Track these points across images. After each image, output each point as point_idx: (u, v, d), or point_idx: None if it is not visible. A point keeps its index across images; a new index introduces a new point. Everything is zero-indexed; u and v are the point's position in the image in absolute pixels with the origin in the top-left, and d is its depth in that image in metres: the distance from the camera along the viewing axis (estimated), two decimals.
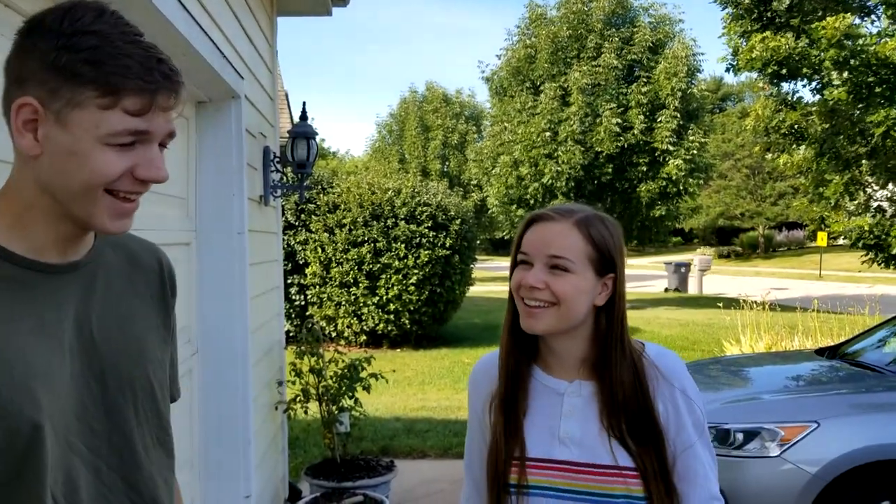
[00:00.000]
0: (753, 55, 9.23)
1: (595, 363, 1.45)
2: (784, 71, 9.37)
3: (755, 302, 9.88)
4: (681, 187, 18.40)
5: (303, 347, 4.60)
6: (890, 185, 10.23)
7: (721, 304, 11.51)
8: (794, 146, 10.35)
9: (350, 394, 4.43)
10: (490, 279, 26.75)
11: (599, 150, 18.13)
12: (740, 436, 3.75)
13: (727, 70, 10.11)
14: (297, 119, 4.74)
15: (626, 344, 1.44)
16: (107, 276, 1.14)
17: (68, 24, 0.96)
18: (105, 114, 0.95)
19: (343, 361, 4.60)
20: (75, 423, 1.03)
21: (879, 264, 10.01)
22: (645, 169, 18.52)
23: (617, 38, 19.10)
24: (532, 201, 19.34)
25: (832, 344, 5.77)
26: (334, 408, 4.45)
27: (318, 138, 4.58)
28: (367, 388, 4.48)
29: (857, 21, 9.83)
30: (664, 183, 18.33)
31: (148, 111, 0.97)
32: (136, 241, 1.26)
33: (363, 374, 4.49)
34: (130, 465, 1.11)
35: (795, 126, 10.06)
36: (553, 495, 1.42)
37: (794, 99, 10.13)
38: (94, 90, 0.95)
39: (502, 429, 1.48)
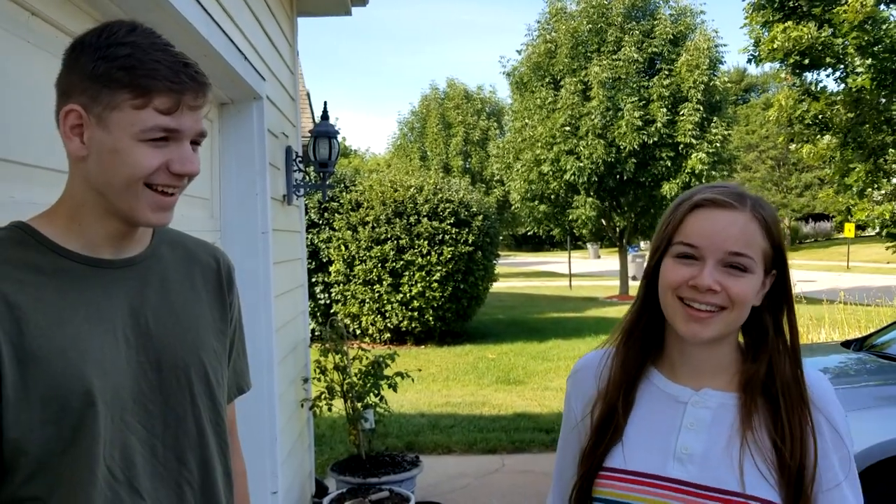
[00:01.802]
0: (775, 45, 9.12)
1: (741, 372, 1.26)
2: (806, 61, 9.25)
3: None
4: (704, 181, 18.23)
5: (327, 345, 4.64)
6: None
7: None
8: (818, 136, 10.22)
9: (375, 391, 4.47)
10: (513, 275, 26.75)
11: (621, 144, 18.02)
12: None
13: (749, 61, 9.99)
14: (318, 118, 4.78)
15: (799, 357, 1.25)
16: (163, 271, 1.24)
17: (105, 38, 1.09)
18: (139, 113, 1.07)
19: (367, 359, 4.63)
20: (131, 404, 1.13)
21: None
22: (668, 164, 18.38)
23: (637, 31, 18.96)
24: (554, 197, 19.27)
25: (859, 336, 5.70)
26: (359, 405, 4.49)
27: (339, 137, 4.61)
28: (393, 387, 4.51)
29: (883, 7, 9.68)
30: (687, 177, 18.17)
31: (176, 110, 1.09)
32: (192, 240, 1.37)
33: (388, 372, 4.52)
34: (184, 446, 1.20)
35: (819, 116, 9.94)
36: None
37: (818, 89, 10.00)
38: (129, 93, 1.06)
39: (601, 434, 1.29)
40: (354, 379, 4.53)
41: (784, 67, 9.81)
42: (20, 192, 1.55)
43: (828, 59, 9.22)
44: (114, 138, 1.07)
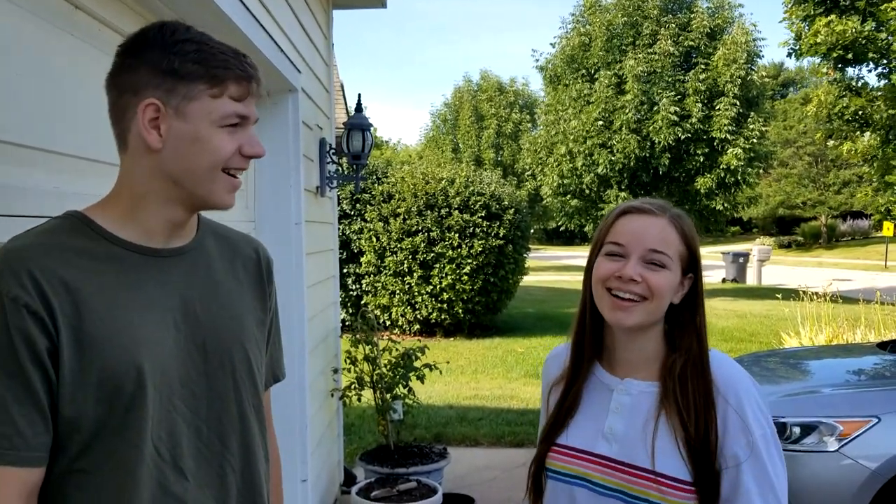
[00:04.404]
0: (818, 40, 8.94)
1: (662, 363, 1.44)
2: (850, 55, 9.06)
3: (816, 293, 9.63)
4: (739, 177, 17.99)
5: (357, 336, 4.68)
6: None
7: (780, 296, 11.26)
8: (858, 133, 10.02)
9: (404, 382, 4.50)
10: (543, 269, 26.65)
11: (656, 139, 17.84)
12: (797, 430, 3.69)
13: (789, 55, 9.82)
14: (352, 110, 4.81)
15: (705, 348, 1.43)
16: (208, 261, 1.29)
17: (168, 35, 1.16)
18: (216, 102, 1.15)
19: (396, 350, 4.66)
20: (179, 387, 1.18)
21: None
22: (702, 159, 18.17)
23: (673, 25, 18.73)
24: (587, 192, 19.15)
25: (895, 337, 5.60)
26: (388, 396, 4.52)
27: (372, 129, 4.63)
28: (421, 379, 4.54)
29: None
30: (722, 173, 17.95)
31: (247, 96, 1.19)
32: (235, 232, 1.42)
33: (417, 364, 4.55)
34: (228, 429, 1.25)
35: (860, 112, 9.74)
36: (588, 487, 1.43)
37: (860, 84, 9.79)
38: (205, 84, 1.15)
39: (553, 415, 1.51)
40: (384, 370, 4.57)
41: (826, 62, 9.61)
42: (66, 184, 1.58)
43: (871, 55, 9.02)
44: (194, 127, 1.15)
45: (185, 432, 1.19)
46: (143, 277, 1.17)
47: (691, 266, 1.44)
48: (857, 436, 3.55)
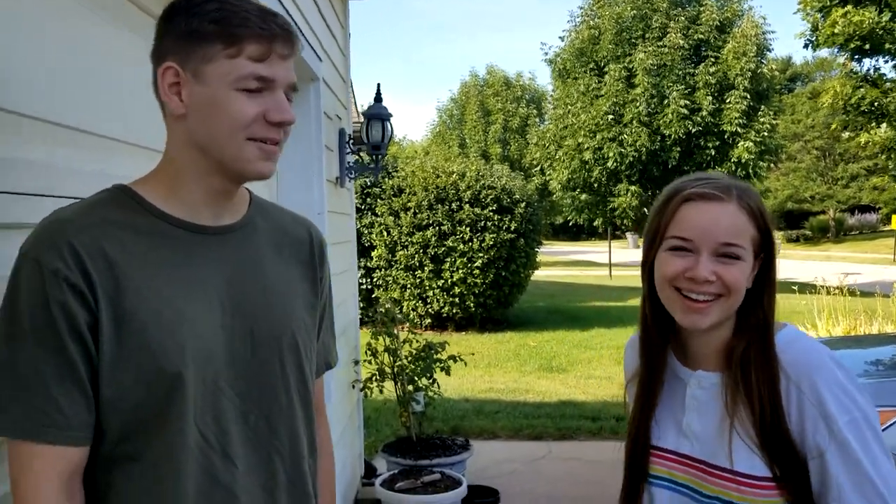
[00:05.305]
0: (835, 30, 8.86)
1: (727, 351, 1.31)
2: (867, 46, 8.98)
3: (831, 287, 9.56)
4: (750, 171, 17.91)
5: (377, 328, 4.65)
6: None
7: (796, 288, 11.21)
8: (874, 124, 9.94)
9: (428, 374, 4.47)
10: (552, 263, 26.59)
11: (666, 132, 17.77)
12: None
13: (805, 46, 9.78)
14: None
15: (769, 332, 1.29)
16: (258, 241, 1.23)
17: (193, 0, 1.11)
18: (233, 62, 1.08)
19: (416, 342, 4.63)
20: (225, 370, 1.12)
21: None
22: (713, 152, 18.08)
23: (683, 18, 18.65)
24: (597, 186, 19.08)
25: None
26: (410, 387, 4.49)
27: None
28: (446, 370, 4.51)
29: None
30: (733, 167, 17.86)
31: (268, 57, 1.09)
32: (287, 213, 1.36)
33: (441, 356, 4.52)
34: (276, 415, 1.19)
35: (875, 103, 9.66)
36: (675, 489, 1.34)
37: (876, 75, 9.71)
38: (221, 43, 1.08)
39: (639, 415, 1.40)
40: (405, 362, 4.54)
41: (842, 53, 9.53)
42: (112, 167, 1.55)
43: (888, 45, 8.95)
44: (211, 90, 1.08)
45: (233, 417, 1.12)
46: (189, 255, 1.12)
47: (764, 247, 1.30)
48: (889, 426, 3.50)
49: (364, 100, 21.82)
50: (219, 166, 1.12)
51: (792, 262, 26.81)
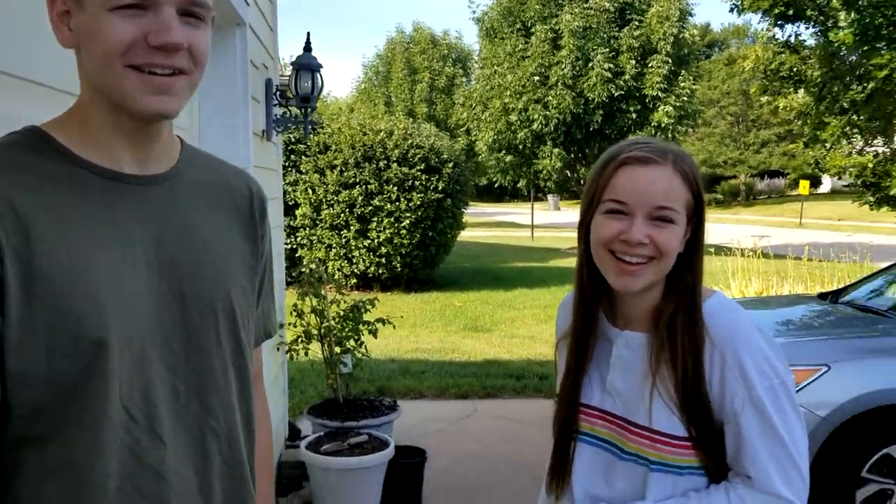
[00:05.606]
0: None
1: (657, 315, 1.33)
2: (790, 11, 9.17)
3: (745, 249, 9.89)
4: (669, 135, 18.28)
5: (304, 288, 4.51)
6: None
7: (712, 250, 11.56)
8: (792, 90, 10.23)
9: (355, 336, 4.37)
10: (477, 224, 26.70)
11: (590, 96, 17.91)
12: None
13: (731, 10, 9.90)
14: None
15: (697, 295, 1.31)
16: (190, 194, 1.10)
17: None
18: None
19: (345, 303, 4.52)
20: (152, 338, 1.00)
21: (871, 207, 9.97)
22: (635, 116, 18.36)
23: None
24: (522, 147, 19.15)
25: (834, 289, 5.77)
26: (338, 349, 4.39)
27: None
28: (373, 333, 4.42)
29: None
30: (653, 131, 18.20)
31: None
32: (225, 165, 1.22)
33: (368, 318, 4.42)
34: (208, 388, 1.06)
35: (794, 69, 9.93)
36: (597, 444, 1.38)
37: (797, 42, 9.96)
38: None
39: (570, 374, 1.42)
40: (332, 323, 4.43)
41: (766, 18, 9.71)
42: (20, 110, 1.39)
43: (809, 12, 9.15)
44: (89, 15, 0.95)
45: (162, 391, 1.00)
46: (110, 206, 0.99)
47: (696, 212, 1.31)
48: (808, 384, 3.62)
49: (285, 55, 21.16)
50: (112, 101, 0.99)
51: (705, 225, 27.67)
